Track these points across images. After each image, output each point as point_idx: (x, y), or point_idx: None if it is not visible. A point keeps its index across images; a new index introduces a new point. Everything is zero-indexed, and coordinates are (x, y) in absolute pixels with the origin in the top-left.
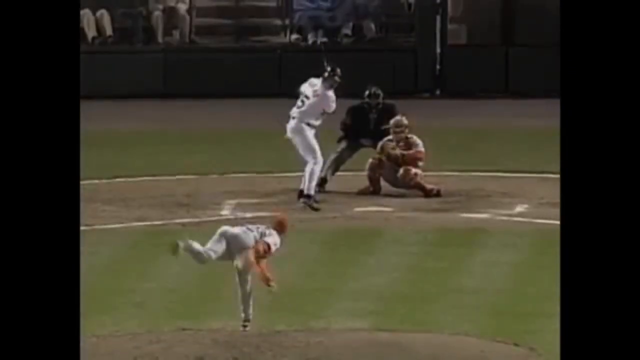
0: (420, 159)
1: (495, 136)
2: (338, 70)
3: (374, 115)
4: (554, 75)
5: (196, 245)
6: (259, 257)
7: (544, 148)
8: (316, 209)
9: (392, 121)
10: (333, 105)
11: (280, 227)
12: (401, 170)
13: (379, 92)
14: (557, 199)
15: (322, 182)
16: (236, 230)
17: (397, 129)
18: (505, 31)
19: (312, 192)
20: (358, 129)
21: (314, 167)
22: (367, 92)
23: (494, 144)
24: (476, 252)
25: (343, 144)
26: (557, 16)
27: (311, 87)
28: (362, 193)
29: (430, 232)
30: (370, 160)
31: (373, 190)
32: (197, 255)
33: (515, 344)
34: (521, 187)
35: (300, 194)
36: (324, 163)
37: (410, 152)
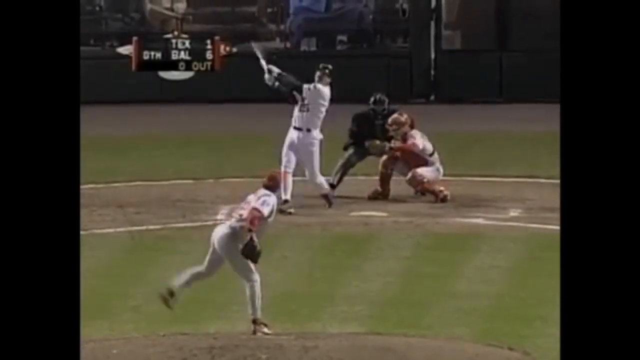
0: (410, 150)
1: (490, 141)
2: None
3: (380, 121)
4: (548, 81)
5: (184, 277)
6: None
7: (538, 153)
8: (288, 213)
9: (389, 119)
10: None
11: (273, 183)
12: (409, 174)
13: (384, 98)
14: (551, 204)
15: (331, 187)
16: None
17: (394, 127)
18: (499, 37)
19: (287, 197)
20: (365, 136)
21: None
22: (372, 99)
23: (488, 149)
24: (470, 257)
25: (350, 151)
26: (551, 22)
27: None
28: (372, 197)
29: (425, 236)
30: (384, 157)
31: (382, 193)
32: (195, 278)
33: (510, 348)
34: (515, 192)
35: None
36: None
37: (399, 144)
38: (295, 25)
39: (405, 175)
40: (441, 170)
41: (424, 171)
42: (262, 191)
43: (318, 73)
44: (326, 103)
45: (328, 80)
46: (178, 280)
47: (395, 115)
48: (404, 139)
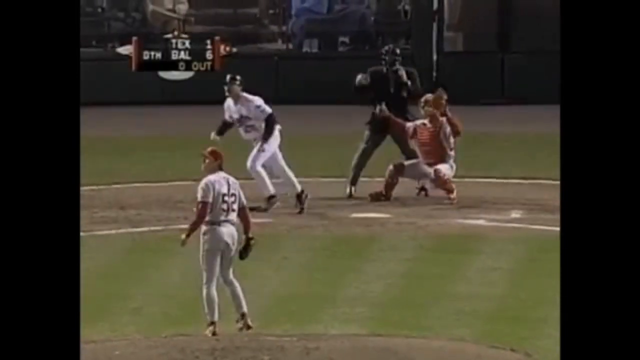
0: (458, 133)
1: (491, 142)
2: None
3: (393, 74)
4: (550, 82)
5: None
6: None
7: (540, 154)
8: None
9: (432, 95)
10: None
11: (219, 158)
12: (433, 174)
13: (397, 50)
14: (552, 205)
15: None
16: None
17: (437, 103)
18: (501, 38)
19: (299, 189)
20: (377, 91)
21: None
22: (384, 49)
23: (489, 150)
24: (472, 258)
25: (365, 137)
26: (552, 23)
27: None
28: (374, 198)
29: (426, 238)
30: (390, 167)
31: (385, 197)
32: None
33: (512, 349)
34: (516, 193)
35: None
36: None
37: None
38: (297, 26)
39: (417, 179)
40: (454, 167)
41: (444, 169)
42: (230, 178)
43: (225, 87)
44: (260, 110)
45: (239, 89)
46: (210, 313)
47: (439, 92)
48: (444, 114)
